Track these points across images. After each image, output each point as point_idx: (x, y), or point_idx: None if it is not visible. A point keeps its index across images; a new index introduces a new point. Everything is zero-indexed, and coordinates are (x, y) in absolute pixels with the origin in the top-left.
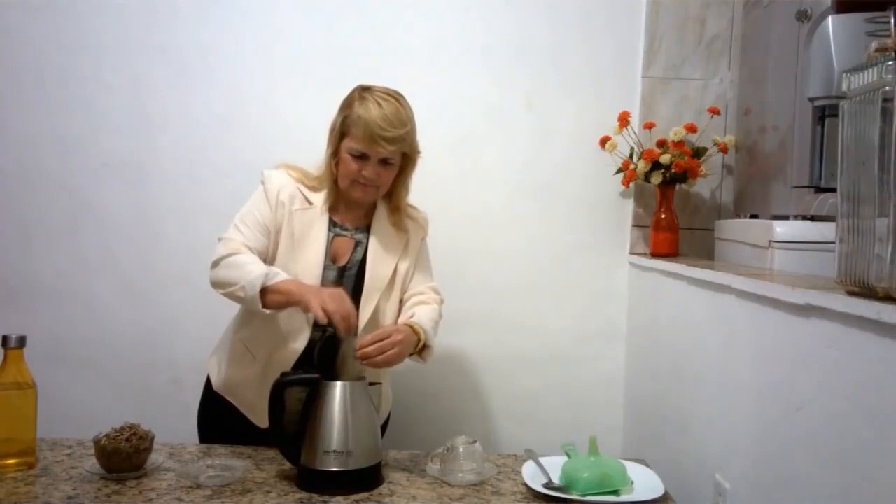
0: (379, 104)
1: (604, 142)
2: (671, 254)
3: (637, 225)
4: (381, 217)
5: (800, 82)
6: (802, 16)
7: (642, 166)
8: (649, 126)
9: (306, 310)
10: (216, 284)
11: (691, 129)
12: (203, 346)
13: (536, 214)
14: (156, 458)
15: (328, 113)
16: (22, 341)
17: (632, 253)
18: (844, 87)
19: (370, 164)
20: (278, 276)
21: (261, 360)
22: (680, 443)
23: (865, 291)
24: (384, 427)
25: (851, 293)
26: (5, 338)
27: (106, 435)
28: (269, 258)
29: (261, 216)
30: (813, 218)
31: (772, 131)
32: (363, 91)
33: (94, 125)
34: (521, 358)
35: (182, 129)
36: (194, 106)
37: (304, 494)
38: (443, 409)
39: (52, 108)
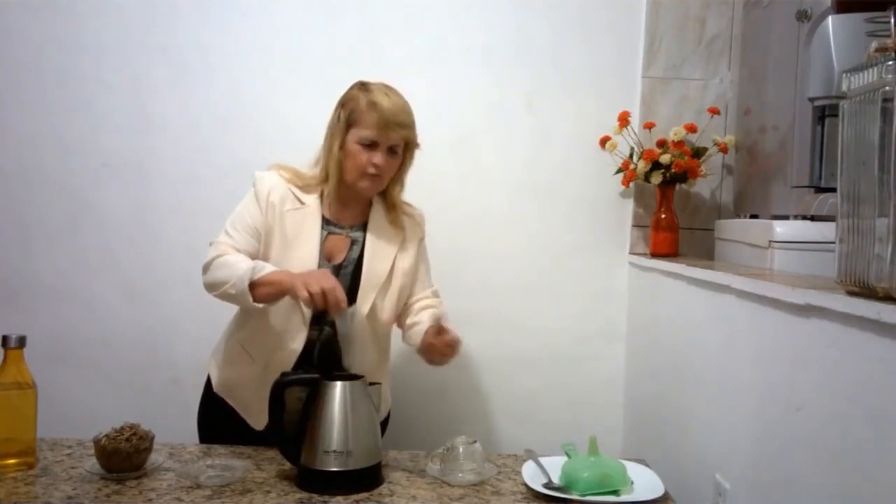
0: (386, 94)
1: (604, 142)
2: (671, 254)
3: (637, 225)
4: (378, 214)
5: (800, 82)
6: (802, 16)
7: (642, 166)
8: (649, 126)
9: (293, 296)
10: (209, 287)
11: (691, 129)
12: (203, 346)
13: (536, 214)
14: (156, 458)
15: (328, 112)
16: (22, 341)
17: (632, 253)
18: (844, 87)
19: (380, 153)
20: (265, 268)
21: (259, 361)
22: (680, 443)
23: (865, 291)
24: (383, 426)
25: (851, 293)
26: (5, 338)
27: (106, 435)
28: (261, 259)
29: (250, 219)
30: (813, 218)
31: (772, 131)
32: (364, 85)
33: (94, 125)
34: (521, 358)
35: (182, 129)
36: (194, 106)
37: (304, 494)
38: (443, 409)
39: (52, 108)
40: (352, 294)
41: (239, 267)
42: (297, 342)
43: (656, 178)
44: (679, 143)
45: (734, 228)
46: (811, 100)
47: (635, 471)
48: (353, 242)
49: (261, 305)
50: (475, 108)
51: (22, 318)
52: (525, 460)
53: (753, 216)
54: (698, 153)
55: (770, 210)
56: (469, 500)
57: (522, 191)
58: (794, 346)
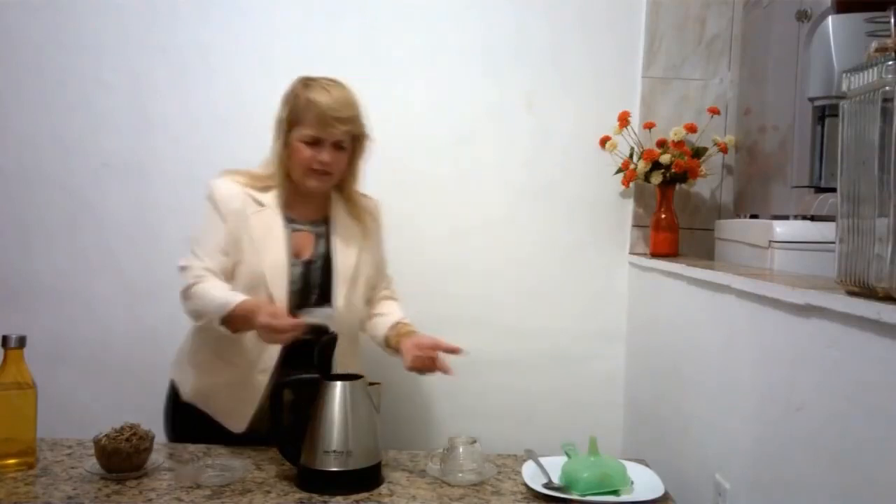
0: (326, 89)
1: (604, 142)
2: (671, 254)
3: (637, 225)
4: (338, 208)
5: (800, 82)
6: (802, 16)
7: (642, 166)
8: (649, 126)
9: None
10: (191, 317)
11: (691, 129)
12: None
13: (536, 214)
14: (156, 458)
15: None
16: (22, 341)
17: (632, 253)
18: (844, 87)
19: (324, 149)
20: (229, 304)
21: (238, 365)
22: (680, 443)
23: (865, 291)
24: None
25: (851, 293)
26: (5, 338)
27: (106, 435)
28: (234, 266)
29: (214, 238)
30: (813, 218)
31: (772, 131)
32: (307, 80)
33: (94, 125)
34: (521, 358)
35: (182, 129)
36: (194, 106)
37: (304, 494)
38: (443, 409)
39: (52, 108)
40: (324, 290)
41: (211, 299)
42: (274, 347)
43: (656, 178)
44: (679, 143)
45: (734, 228)
46: (811, 100)
47: (635, 471)
48: (317, 237)
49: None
50: (475, 108)
51: (22, 318)
52: (525, 460)
53: (753, 216)
54: (698, 153)
55: (770, 210)
56: (469, 500)
57: (522, 191)
58: (794, 346)
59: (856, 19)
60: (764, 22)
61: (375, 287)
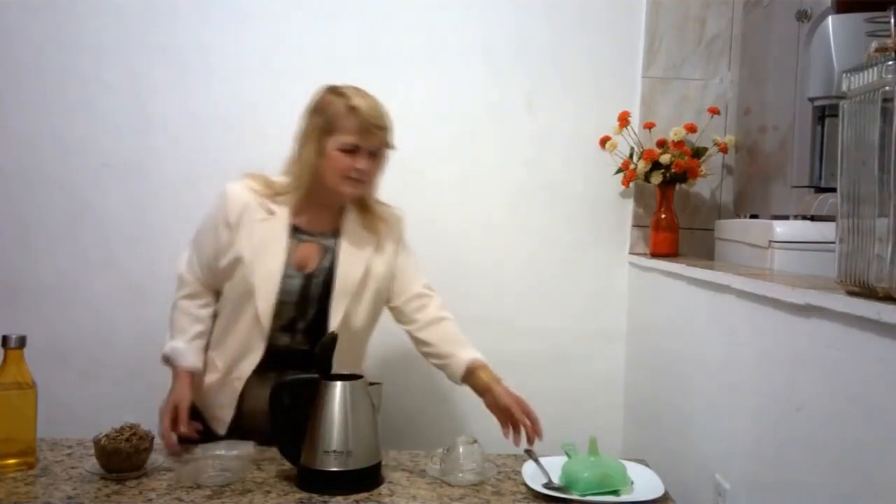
0: (363, 97)
1: (604, 142)
2: (671, 254)
3: (637, 225)
4: (351, 219)
5: (800, 82)
6: (802, 16)
7: (642, 166)
8: (649, 126)
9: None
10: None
11: (691, 129)
12: None
13: (536, 214)
14: (156, 458)
15: None
16: (22, 341)
17: (632, 253)
18: (844, 87)
19: (361, 157)
20: (172, 359)
21: (220, 368)
22: (680, 443)
23: (865, 291)
24: None
25: (851, 293)
26: (5, 338)
27: (106, 435)
28: (229, 272)
29: (211, 247)
30: (813, 218)
31: (772, 131)
32: (336, 89)
33: (94, 125)
34: (521, 358)
35: (182, 129)
36: (194, 106)
37: (304, 494)
38: (443, 409)
39: (52, 108)
40: (323, 303)
41: (171, 336)
42: (256, 353)
43: (656, 178)
44: (679, 143)
45: (734, 228)
46: (811, 100)
47: (635, 471)
48: (325, 250)
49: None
50: (475, 109)
51: (22, 318)
52: (525, 460)
53: (753, 216)
54: (698, 153)
55: (770, 210)
56: (469, 500)
57: (522, 191)
58: (794, 346)
59: (856, 19)
60: (764, 22)
61: (398, 295)
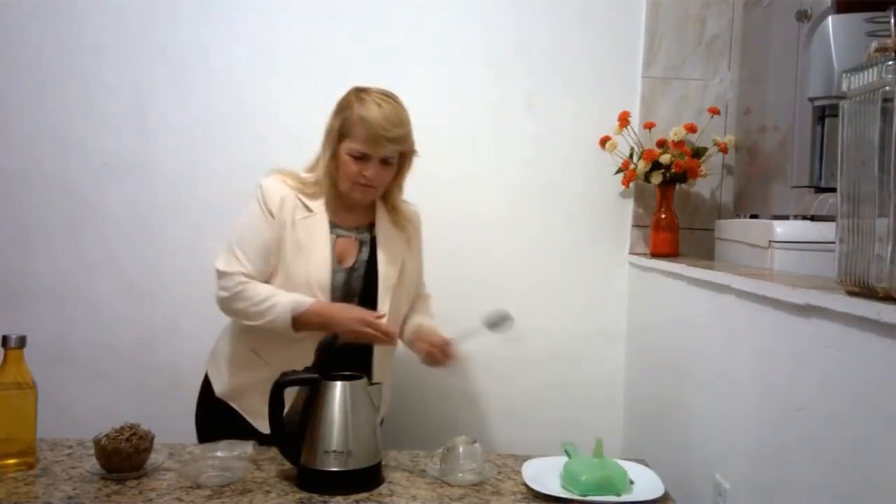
0: (379, 105)
1: (604, 142)
2: (671, 254)
3: (637, 225)
4: (382, 217)
5: (800, 82)
6: (802, 16)
7: (642, 166)
8: (649, 126)
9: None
10: (242, 317)
11: (691, 129)
12: (203, 346)
13: (536, 214)
14: (156, 458)
15: (328, 113)
16: (22, 341)
17: (632, 253)
18: (844, 87)
19: (371, 165)
20: (303, 304)
21: (272, 365)
22: (680, 443)
23: (865, 291)
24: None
25: (851, 293)
26: (5, 338)
27: (106, 435)
28: (273, 269)
29: (261, 240)
30: (813, 218)
31: (772, 131)
32: (360, 93)
33: (94, 125)
34: (521, 358)
35: (182, 129)
36: (194, 106)
37: (304, 494)
38: (443, 409)
39: (52, 108)
40: (364, 298)
41: (275, 303)
42: (309, 343)
43: (656, 178)
44: (679, 143)
45: (734, 228)
46: (811, 100)
47: (635, 471)
48: (360, 244)
49: (301, 335)
50: (475, 109)
51: (22, 318)
52: (525, 460)
53: (753, 216)
54: (698, 153)
55: (770, 210)
56: (469, 500)
57: (522, 191)
58: (794, 346)
59: (856, 19)
60: (764, 22)
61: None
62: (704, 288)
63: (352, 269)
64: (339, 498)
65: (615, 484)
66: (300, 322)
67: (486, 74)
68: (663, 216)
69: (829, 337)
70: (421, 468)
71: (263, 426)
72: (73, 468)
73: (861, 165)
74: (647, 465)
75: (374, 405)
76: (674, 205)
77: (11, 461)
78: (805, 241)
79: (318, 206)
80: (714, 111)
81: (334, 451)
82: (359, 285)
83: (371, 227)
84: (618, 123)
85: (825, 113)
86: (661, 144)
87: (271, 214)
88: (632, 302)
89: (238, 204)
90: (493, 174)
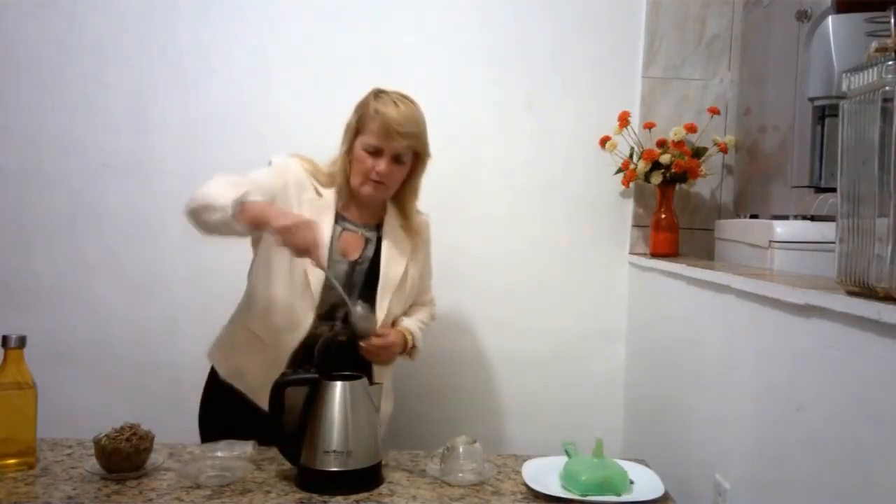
0: (395, 103)
1: (604, 142)
2: (671, 254)
3: (637, 225)
4: (392, 218)
5: (800, 82)
6: (802, 16)
7: (642, 166)
8: (649, 126)
9: (271, 232)
10: (193, 211)
11: (691, 129)
12: (203, 345)
13: (536, 214)
14: (156, 458)
15: (328, 113)
16: (22, 341)
17: (632, 253)
18: (844, 87)
19: (383, 160)
20: (253, 195)
21: (268, 342)
22: (680, 443)
23: (865, 291)
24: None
25: (851, 293)
26: (5, 338)
27: (106, 435)
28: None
29: (263, 181)
30: (813, 218)
31: (772, 131)
32: (379, 92)
33: (94, 125)
34: (521, 358)
35: (182, 129)
36: (194, 106)
37: (304, 494)
38: (443, 409)
39: (52, 108)
40: (364, 294)
41: (223, 192)
42: (307, 322)
43: (656, 178)
44: (679, 143)
45: (734, 228)
46: (811, 100)
47: (635, 471)
48: (367, 241)
49: (240, 229)
50: (475, 108)
51: (22, 318)
52: (525, 460)
53: (753, 216)
54: (698, 153)
55: (770, 210)
56: (469, 500)
57: (522, 191)
58: (794, 346)
59: (856, 19)
60: (764, 22)
61: (414, 302)
62: (704, 288)
63: (356, 263)
64: (339, 498)
65: (615, 484)
66: (245, 217)
67: (486, 74)
68: (663, 216)
69: (829, 337)
70: (421, 468)
71: (265, 404)
72: (73, 468)
73: (861, 165)
74: (647, 465)
75: (374, 405)
76: (674, 205)
77: (11, 461)
78: (805, 241)
79: (329, 194)
80: (714, 111)
81: (334, 451)
82: (360, 280)
83: (379, 226)
84: (618, 123)
85: (825, 113)
86: (661, 144)
87: (277, 178)
88: (632, 302)
89: None
90: (493, 174)
